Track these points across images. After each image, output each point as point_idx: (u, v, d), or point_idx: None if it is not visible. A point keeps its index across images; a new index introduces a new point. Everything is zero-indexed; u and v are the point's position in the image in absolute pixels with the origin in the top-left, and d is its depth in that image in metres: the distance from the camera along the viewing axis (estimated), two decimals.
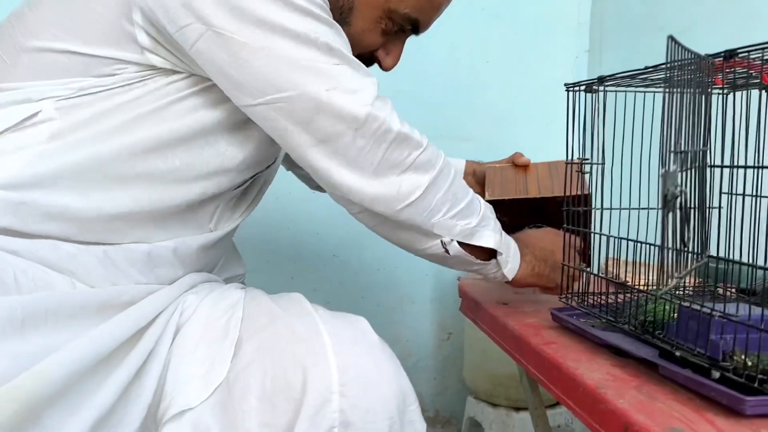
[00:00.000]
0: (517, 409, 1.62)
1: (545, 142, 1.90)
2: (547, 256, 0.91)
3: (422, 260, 1.82)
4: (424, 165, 0.78)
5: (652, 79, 0.74)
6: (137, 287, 0.77)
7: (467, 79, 1.84)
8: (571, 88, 0.83)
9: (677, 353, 0.65)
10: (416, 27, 0.91)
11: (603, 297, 0.81)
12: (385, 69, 0.94)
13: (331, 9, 0.78)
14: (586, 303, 0.82)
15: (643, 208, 0.80)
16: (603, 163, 0.77)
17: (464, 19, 1.82)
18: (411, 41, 1.76)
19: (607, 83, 0.76)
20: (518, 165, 1.18)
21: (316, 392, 0.69)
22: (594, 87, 0.80)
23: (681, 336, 0.65)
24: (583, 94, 0.82)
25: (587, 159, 0.80)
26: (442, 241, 0.82)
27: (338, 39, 0.75)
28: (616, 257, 0.77)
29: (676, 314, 0.68)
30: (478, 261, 0.86)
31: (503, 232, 0.88)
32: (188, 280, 0.85)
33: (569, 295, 0.85)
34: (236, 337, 0.75)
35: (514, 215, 1.02)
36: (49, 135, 0.72)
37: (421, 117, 1.78)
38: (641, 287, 0.75)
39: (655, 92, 0.81)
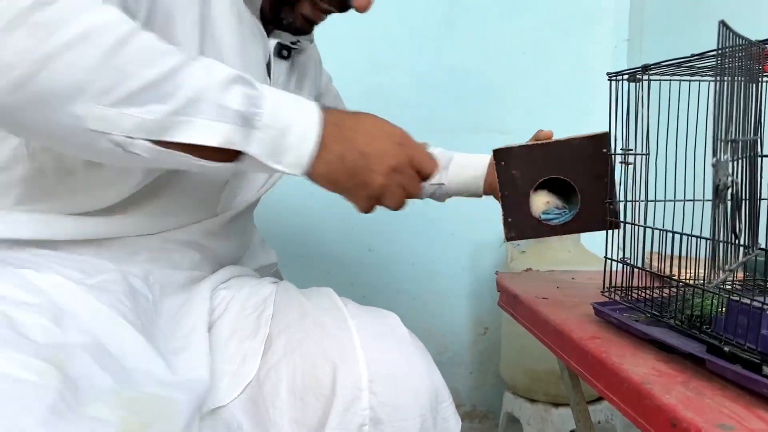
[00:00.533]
0: (556, 404, 1.60)
1: (586, 132, 1.88)
2: (356, 161, 0.67)
3: (459, 254, 1.86)
4: (46, 24, 0.52)
5: (698, 67, 0.72)
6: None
7: (503, 70, 1.83)
8: (614, 77, 0.81)
9: (726, 348, 0.63)
10: None
11: (647, 291, 0.79)
12: (359, 9, 0.80)
13: None
14: (630, 297, 0.80)
15: (688, 200, 0.78)
16: (647, 154, 0.75)
17: (498, 9, 1.80)
18: (445, 34, 1.79)
19: (651, 72, 0.74)
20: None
21: (345, 389, 0.69)
22: (638, 76, 0.78)
23: (730, 331, 0.64)
24: (625, 83, 0.79)
25: (631, 150, 0.78)
26: (110, 139, 0.56)
27: None
28: (660, 251, 0.75)
29: (724, 308, 0.66)
30: (207, 162, 0.61)
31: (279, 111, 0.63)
32: (222, 275, 0.86)
33: (612, 289, 0.83)
34: (266, 334, 0.76)
35: (527, 167, 0.95)
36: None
37: (457, 110, 1.81)
38: (687, 281, 0.73)
39: (700, 81, 0.79)
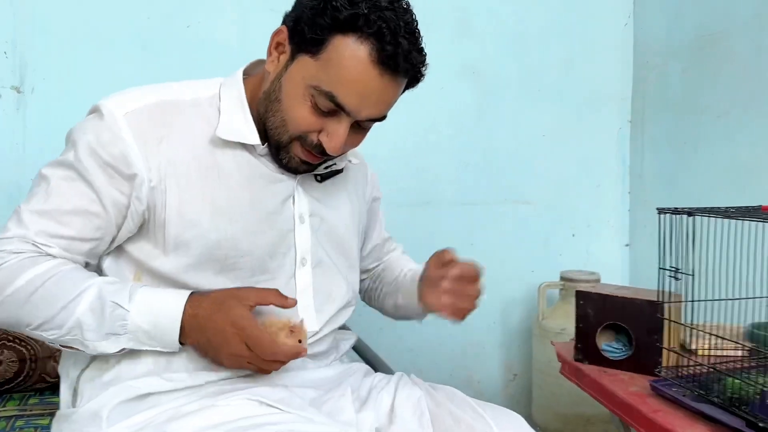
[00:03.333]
0: None
1: (595, 203, 2.18)
2: (206, 347, 0.89)
3: (490, 310, 2.12)
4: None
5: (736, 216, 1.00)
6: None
7: (527, 150, 2.10)
8: (662, 212, 1.08)
9: (760, 424, 0.90)
10: (341, 107, 0.87)
11: (694, 369, 1.06)
12: (329, 152, 0.91)
13: (264, 92, 0.93)
14: (679, 376, 1.08)
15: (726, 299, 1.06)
16: (692, 275, 1.03)
17: (522, 98, 2.09)
18: (477, 121, 2.06)
19: (696, 214, 1.02)
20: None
21: None
22: (680, 210, 1.05)
23: (763, 413, 0.91)
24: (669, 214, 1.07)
25: (680, 269, 1.05)
26: (45, 340, 0.89)
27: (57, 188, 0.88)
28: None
29: (758, 396, 0.93)
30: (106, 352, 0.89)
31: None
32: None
33: (663, 368, 1.10)
34: None
35: (599, 309, 1.25)
36: None
37: (488, 184, 2.11)
38: (728, 367, 1.00)
39: (740, 220, 1.06)
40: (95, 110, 0.91)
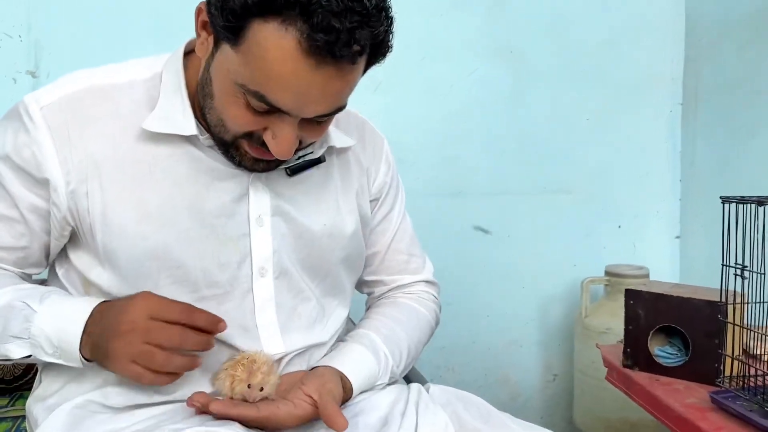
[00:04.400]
0: None
1: (643, 192, 2.03)
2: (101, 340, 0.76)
3: (528, 306, 1.99)
4: None
5: None
6: None
7: (567, 135, 1.96)
8: (727, 201, 0.94)
9: None
10: (275, 107, 0.72)
11: (762, 380, 0.93)
12: (277, 157, 0.76)
13: (199, 81, 0.79)
14: (743, 386, 0.94)
15: None
16: (764, 273, 0.89)
17: (563, 80, 1.94)
18: (514, 105, 1.94)
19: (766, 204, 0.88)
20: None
21: None
22: (748, 199, 0.92)
23: None
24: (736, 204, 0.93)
25: (746, 266, 0.91)
26: None
27: None
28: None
29: None
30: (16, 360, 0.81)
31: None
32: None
33: (725, 378, 0.97)
34: None
35: (651, 310, 1.13)
36: None
37: (525, 173, 1.96)
38: None
39: None
40: (14, 108, 0.81)
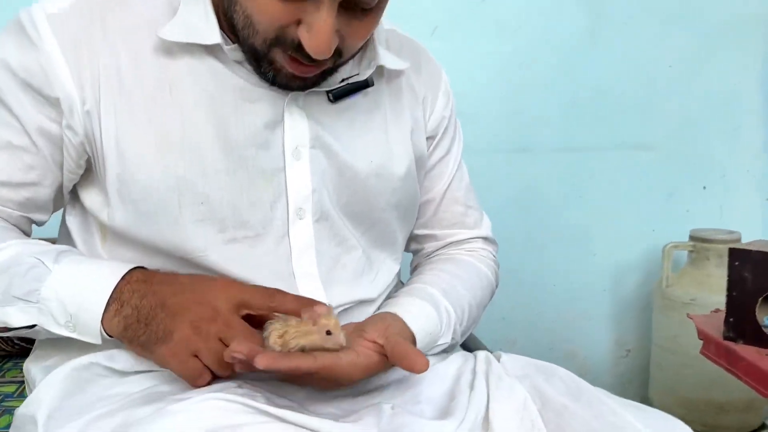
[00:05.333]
0: None
1: (732, 149, 1.83)
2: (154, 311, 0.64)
3: (600, 275, 1.84)
4: None
5: None
6: None
7: (647, 85, 1.78)
8: None
9: None
10: None
11: None
12: (312, 54, 0.63)
13: None
14: None
15: None
16: None
17: (643, 22, 1.75)
18: (587, 50, 1.76)
19: None
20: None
21: None
22: None
23: None
24: None
25: None
26: None
27: None
28: None
29: None
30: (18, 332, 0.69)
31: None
32: None
33: None
34: None
35: (761, 273, 0.99)
36: None
37: (600, 126, 1.77)
38: None
39: None
40: (15, 19, 0.69)
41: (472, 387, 0.70)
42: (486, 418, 0.65)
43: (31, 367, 0.74)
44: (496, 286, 0.94)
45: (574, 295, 1.82)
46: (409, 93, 0.82)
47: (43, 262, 0.65)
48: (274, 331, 0.62)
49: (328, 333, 0.62)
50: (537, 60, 1.71)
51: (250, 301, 0.65)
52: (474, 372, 0.73)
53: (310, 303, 0.65)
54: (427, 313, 0.74)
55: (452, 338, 0.79)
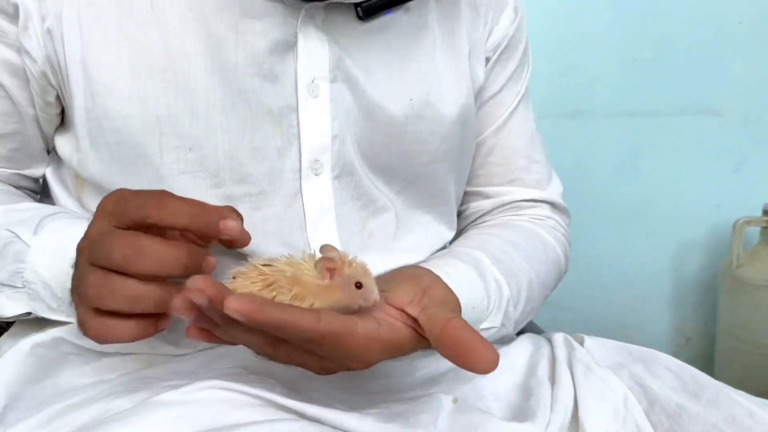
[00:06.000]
0: None
1: None
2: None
3: (659, 255, 1.69)
4: None
5: None
6: None
7: (715, 43, 1.64)
8: None
9: None
10: None
11: None
12: None
13: None
14: None
15: None
16: None
17: None
18: (648, 3, 1.61)
19: None
20: None
21: None
22: None
23: None
24: None
25: None
26: None
27: None
28: None
29: None
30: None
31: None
32: None
33: None
34: None
35: None
36: None
37: (662, 88, 1.61)
38: None
39: None
40: None
41: (553, 380, 0.56)
42: (575, 418, 0.52)
43: (3, 343, 0.60)
44: (566, 270, 0.77)
45: (630, 277, 1.70)
46: (468, 7, 0.66)
47: (19, 237, 0.52)
48: (254, 284, 0.42)
49: (358, 286, 0.43)
50: (590, 13, 1.59)
51: (122, 210, 0.45)
52: (551, 359, 0.59)
53: (222, 214, 0.45)
54: (470, 279, 0.57)
55: (502, 323, 0.61)
